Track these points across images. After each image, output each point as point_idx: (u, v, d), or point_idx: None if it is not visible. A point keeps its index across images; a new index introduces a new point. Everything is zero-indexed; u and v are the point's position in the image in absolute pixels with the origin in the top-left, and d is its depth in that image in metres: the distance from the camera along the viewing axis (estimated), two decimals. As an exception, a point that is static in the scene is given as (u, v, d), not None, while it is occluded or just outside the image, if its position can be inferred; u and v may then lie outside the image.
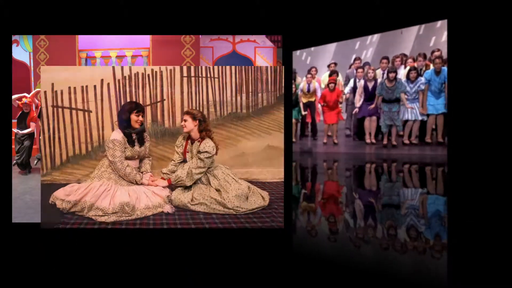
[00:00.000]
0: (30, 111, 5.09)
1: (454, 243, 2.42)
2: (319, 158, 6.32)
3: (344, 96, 6.63)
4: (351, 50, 6.90)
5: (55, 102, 3.72)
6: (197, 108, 3.89)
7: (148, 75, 3.83)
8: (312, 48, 7.27)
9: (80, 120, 3.76)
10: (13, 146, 5.01)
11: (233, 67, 4.02)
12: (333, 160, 5.98)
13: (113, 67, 3.78)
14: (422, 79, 5.81)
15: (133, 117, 3.17)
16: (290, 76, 5.98)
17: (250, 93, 4.06)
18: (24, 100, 5.02)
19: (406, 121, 5.97)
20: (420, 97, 5.84)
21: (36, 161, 5.27)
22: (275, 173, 3.99)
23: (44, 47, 6.03)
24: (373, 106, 6.15)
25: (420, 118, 5.86)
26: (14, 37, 6.30)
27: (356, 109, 6.41)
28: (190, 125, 3.20)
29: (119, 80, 3.77)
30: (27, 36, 6.35)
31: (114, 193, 2.96)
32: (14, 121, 4.85)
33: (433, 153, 5.56)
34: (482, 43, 4.40)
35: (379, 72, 6.38)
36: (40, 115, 4.95)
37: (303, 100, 6.98)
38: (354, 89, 6.56)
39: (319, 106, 6.89)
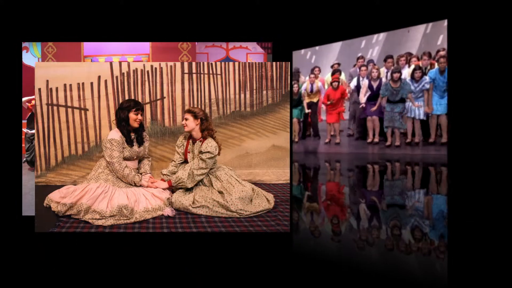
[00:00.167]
0: None
1: (454, 243, 2.38)
2: (321, 158, 6.32)
3: (349, 92, 6.61)
4: (357, 49, 6.91)
5: (50, 100, 3.66)
6: (199, 106, 3.82)
7: (148, 71, 3.76)
8: (317, 47, 7.27)
9: (76, 119, 3.70)
10: (23, 145, 5.28)
11: (236, 63, 3.93)
12: (335, 160, 5.95)
13: (111, 63, 3.70)
14: (426, 78, 5.83)
15: (132, 115, 3.11)
16: (290, 76, 5.94)
17: (255, 91, 3.98)
18: (33, 102, 5.25)
19: (412, 119, 5.94)
20: (425, 96, 5.84)
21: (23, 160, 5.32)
22: (280, 174, 3.93)
23: (52, 53, 6.49)
24: (375, 108, 6.16)
25: (422, 117, 5.86)
26: (24, 44, 6.83)
27: (363, 105, 6.40)
28: (192, 124, 3.13)
29: (117, 77, 3.70)
30: (36, 43, 6.92)
31: (111, 195, 2.88)
32: (24, 121, 5.25)
33: (437, 153, 5.54)
34: (482, 43, 4.41)
35: (383, 70, 6.37)
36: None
37: (306, 100, 7.03)
38: (357, 88, 6.57)
39: (322, 106, 6.93)
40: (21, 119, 3.66)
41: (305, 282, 1.90)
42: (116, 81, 3.70)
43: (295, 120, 7.02)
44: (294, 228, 2.75)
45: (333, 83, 6.58)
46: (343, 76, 6.80)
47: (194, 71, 3.84)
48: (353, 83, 6.67)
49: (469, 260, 2.13)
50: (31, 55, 7.02)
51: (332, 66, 6.92)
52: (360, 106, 6.48)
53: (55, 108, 3.67)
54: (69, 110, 3.68)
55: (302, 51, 7.42)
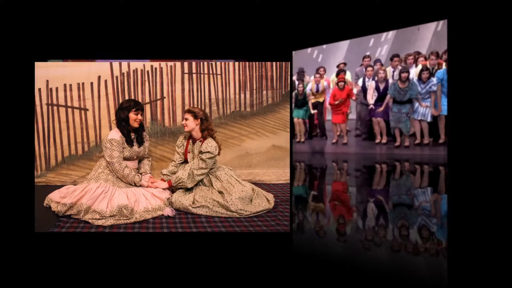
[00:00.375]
0: None
1: (454, 243, 2.38)
2: (328, 158, 6.25)
3: (355, 92, 6.53)
4: (365, 48, 6.79)
5: (50, 100, 3.66)
6: (199, 106, 3.81)
7: (148, 71, 3.75)
8: (324, 46, 7.20)
9: (76, 119, 3.70)
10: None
11: (236, 63, 3.92)
12: (342, 160, 5.90)
13: (111, 63, 3.69)
14: (433, 80, 5.74)
15: (132, 115, 3.10)
16: (290, 76, 5.92)
17: (255, 91, 3.97)
18: None
19: (419, 120, 5.89)
20: (432, 98, 5.75)
21: None
22: (280, 174, 3.93)
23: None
24: (381, 109, 6.07)
25: (429, 119, 5.79)
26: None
27: (372, 106, 6.33)
28: (192, 124, 3.12)
29: (117, 77, 3.70)
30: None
31: (111, 195, 2.88)
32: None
33: (447, 154, 5.50)
34: (482, 43, 4.41)
35: (389, 70, 6.27)
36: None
37: (312, 100, 6.93)
38: (363, 89, 6.47)
39: (328, 106, 6.84)
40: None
41: (305, 282, 1.89)
42: (116, 81, 3.70)
43: (300, 120, 6.97)
44: (297, 228, 2.74)
45: (339, 83, 6.48)
46: (348, 76, 6.69)
47: (194, 71, 3.83)
48: (359, 83, 6.57)
49: (469, 260, 2.12)
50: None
51: (337, 66, 6.83)
52: (369, 107, 6.39)
53: (55, 108, 3.66)
54: (69, 110, 3.68)
55: (309, 49, 7.35)
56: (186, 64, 3.81)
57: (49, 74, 3.62)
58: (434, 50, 5.82)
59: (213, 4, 4.84)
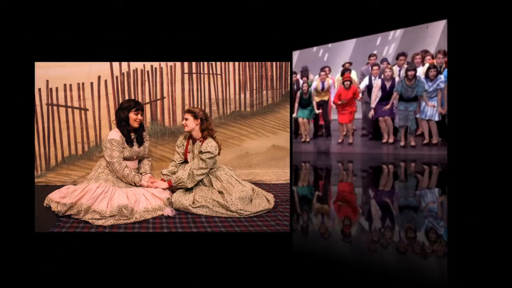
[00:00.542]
0: None
1: (454, 243, 2.38)
2: (334, 158, 6.20)
3: (360, 94, 6.48)
4: (372, 46, 6.71)
5: (50, 100, 3.66)
6: (199, 106, 3.81)
7: (148, 71, 3.74)
8: (330, 45, 7.14)
9: (76, 119, 3.70)
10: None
11: (236, 63, 3.92)
12: (348, 161, 5.85)
13: (111, 63, 3.68)
14: (441, 77, 5.67)
15: (132, 115, 3.09)
16: (290, 76, 5.91)
17: (255, 91, 3.97)
18: None
19: (427, 121, 5.84)
20: (438, 95, 5.70)
21: None
22: (280, 174, 3.92)
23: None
24: (388, 106, 6.00)
25: (437, 118, 5.73)
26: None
27: (372, 112, 6.27)
28: (192, 124, 3.11)
29: (117, 77, 3.69)
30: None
31: (111, 195, 2.87)
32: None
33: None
34: (482, 43, 4.40)
35: (395, 69, 6.22)
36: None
37: (316, 99, 6.87)
38: (369, 87, 6.39)
39: (333, 105, 6.78)
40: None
41: (305, 282, 1.88)
42: (116, 81, 3.69)
43: (305, 120, 6.91)
44: (297, 228, 2.73)
45: (345, 83, 6.38)
46: (354, 75, 6.61)
47: (194, 71, 3.83)
48: (365, 82, 6.49)
49: (469, 260, 2.12)
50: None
51: (343, 66, 6.76)
52: (370, 114, 6.33)
53: (55, 108, 3.66)
54: (69, 110, 3.67)
55: (314, 48, 7.31)
56: (186, 64, 3.81)
57: (49, 74, 3.62)
58: (441, 49, 5.75)
59: (213, 4, 4.84)
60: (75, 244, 2.46)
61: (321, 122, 7.01)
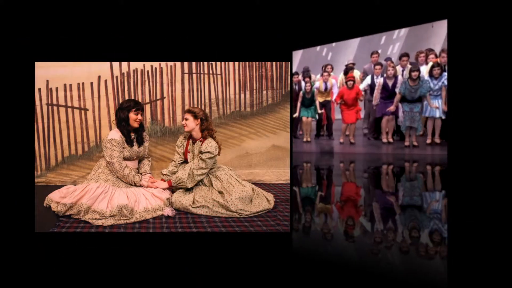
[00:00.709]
0: None
1: (454, 243, 2.38)
2: (336, 158, 6.17)
3: (363, 92, 6.45)
4: (376, 45, 6.65)
5: (50, 100, 3.65)
6: (199, 106, 3.81)
7: (148, 71, 3.74)
8: (333, 44, 7.10)
9: (76, 119, 3.70)
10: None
11: (236, 63, 3.91)
12: (349, 161, 5.82)
13: (111, 63, 3.68)
14: (446, 75, 5.62)
15: (132, 115, 3.10)
16: (290, 76, 5.89)
17: (255, 91, 3.97)
18: None
19: (427, 118, 5.82)
20: (443, 93, 5.66)
21: None
22: (280, 174, 3.92)
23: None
24: (392, 108, 5.97)
25: (442, 116, 5.71)
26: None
27: (374, 107, 6.23)
28: (192, 124, 3.11)
29: (117, 77, 3.69)
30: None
31: (111, 195, 2.87)
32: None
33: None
34: (482, 43, 4.40)
35: (398, 68, 6.18)
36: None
37: (319, 99, 6.82)
38: (371, 87, 6.35)
39: (335, 105, 6.74)
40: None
41: (305, 282, 1.88)
42: (116, 81, 3.69)
43: (309, 120, 6.87)
44: (296, 229, 2.73)
45: (348, 82, 6.33)
46: (357, 74, 6.57)
47: (194, 71, 3.83)
48: (367, 81, 6.45)
49: (469, 260, 2.12)
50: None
51: (346, 65, 6.72)
52: (373, 107, 6.29)
53: (55, 108, 3.66)
54: (69, 110, 3.67)
55: (318, 47, 7.27)
56: (186, 64, 3.81)
57: (49, 74, 3.61)
58: (445, 48, 5.70)
59: (213, 4, 4.83)
60: (75, 244, 2.47)
61: (324, 122, 6.98)
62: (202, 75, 3.84)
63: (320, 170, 5.32)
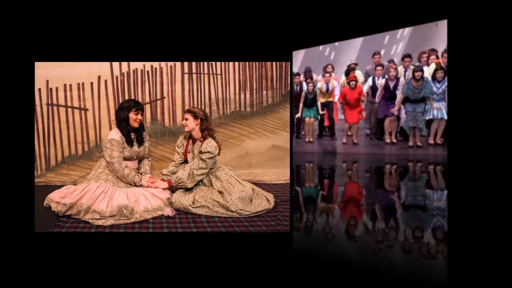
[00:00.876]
0: None
1: (454, 243, 2.38)
2: (338, 158, 6.15)
3: (365, 94, 6.43)
4: (379, 45, 6.61)
5: (50, 100, 3.65)
6: (199, 106, 3.80)
7: (148, 71, 3.74)
8: (336, 43, 7.07)
9: (76, 119, 3.69)
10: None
11: (236, 63, 3.91)
12: (352, 161, 5.81)
13: (111, 63, 3.68)
14: None
15: (132, 115, 3.09)
16: (290, 76, 5.89)
17: (255, 91, 3.97)
18: None
19: (431, 120, 5.80)
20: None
21: None
22: (280, 174, 3.92)
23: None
24: (396, 109, 5.95)
25: (446, 117, 5.69)
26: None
27: (376, 105, 6.21)
28: (192, 124, 3.11)
29: (117, 77, 3.69)
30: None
31: (111, 195, 2.87)
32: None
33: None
34: (483, 43, 4.40)
35: (400, 70, 6.16)
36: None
37: (321, 100, 6.81)
38: (372, 88, 6.33)
39: (338, 105, 6.72)
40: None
41: (305, 282, 1.88)
42: (116, 81, 3.69)
43: (312, 120, 6.86)
44: (300, 229, 2.73)
45: (350, 83, 6.31)
46: (359, 75, 6.54)
47: (194, 71, 3.83)
48: (368, 83, 6.42)
49: (469, 260, 2.12)
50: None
51: (348, 65, 6.70)
52: (375, 109, 6.27)
53: (55, 108, 3.65)
54: (69, 110, 3.67)
55: (321, 47, 7.24)
56: (186, 64, 3.81)
57: (49, 74, 3.61)
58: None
59: (213, 4, 4.83)
60: (75, 244, 2.46)
61: (326, 123, 6.96)
62: (202, 75, 3.84)
63: (322, 170, 5.32)
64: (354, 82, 6.26)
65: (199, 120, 3.10)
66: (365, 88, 6.39)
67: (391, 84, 6.04)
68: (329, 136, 6.98)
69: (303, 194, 3.83)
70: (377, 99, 6.21)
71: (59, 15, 4.34)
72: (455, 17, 4.88)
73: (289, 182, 3.91)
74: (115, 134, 3.05)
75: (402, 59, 6.18)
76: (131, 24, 4.65)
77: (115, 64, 3.68)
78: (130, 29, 4.62)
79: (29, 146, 3.64)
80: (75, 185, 3.17)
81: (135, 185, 3.06)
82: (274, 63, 4.00)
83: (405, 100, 5.87)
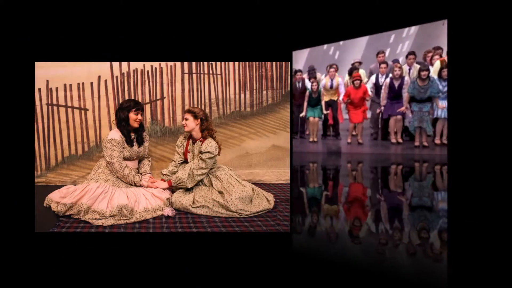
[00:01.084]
0: None
1: (454, 243, 2.38)
2: (343, 158, 6.13)
3: (370, 92, 6.40)
4: (385, 44, 6.56)
5: (50, 100, 3.65)
6: (199, 106, 3.80)
7: (148, 71, 3.74)
8: (341, 42, 7.03)
9: (76, 119, 3.69)
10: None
11: (236, 63, 3.91)
12: (357, 161, 5.78)
13: (111, 63, 3.68)
14: None
15: (132, 115, 3.09)
16: (290, 76, 5.87)
17: (255, 91, 3.97)
18: None
19: (436, 119, 5.78)
20: None
21: None
22: (280, 174, 3.92)
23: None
24: (403, 108, 5.92)
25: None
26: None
27: (382, 108, 6.19)
28: (192, 124, 3.11)
29: (117, 77, 3.69)
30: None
31: (111, 195, 2.87)
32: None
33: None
34: (483, 43, 4.39)
35: (405, 68, 6.14)
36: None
37: (325, 98, 6.77)
38: (376, 86, 6.30)
39: (342, 105, 6.69)
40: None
41: (305, 282, 1.88)
42: (116, 81, 3.69)
43: (316, 119, 6.83)
44: (300, 229, 2.73)
45: (355, 82, 6.27)
46: (362, 74, 6.52)
47: (194, 71, 3.83)
48: (371, 80, 6.39)
49: (469, 260, 2.12)
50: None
51: (352, 64, 6.67)
52: (378, 111, 6.24)
53: (55, 108, 3.65)
54: (69, 110, 3.67)
55: (325, 46, 7.19)
56: (186, 64, 3.81)
57: (49, 74, 3.61)
58: None
59: (213, 4, 4.83)
60: (75, 244, 2.47)
61: (330, 122, 6.93)
62: (202, 75, 3.84)
63: (326, 171, 5.30)
64: (358, 81, 6.22)
65: (199, 120, 3.10)
66: (368, 86, 6.36)
67: (396, 83, 6.01)
68: (334, 136, 6.95)
69: (307, 194, 3.82)
70: (382, 101, 6.18)
71: (59, 15, 4.34)
72: (455, 17, 4.88)
73: (289, 182, 3.91)
74: (115, 134, 3.05)
75: (406, 57, 6.15)
76: (131, 24, 4.64)
77: (115, 64, 3.68)
78: (130, 29, 4.62)
79: (29, 146, 3.64)
80: (75, 185, 3.17)
81: (135, 185, 3.07)
82: (274, 63, 4.00)
83: (411, 100, 5.84)
